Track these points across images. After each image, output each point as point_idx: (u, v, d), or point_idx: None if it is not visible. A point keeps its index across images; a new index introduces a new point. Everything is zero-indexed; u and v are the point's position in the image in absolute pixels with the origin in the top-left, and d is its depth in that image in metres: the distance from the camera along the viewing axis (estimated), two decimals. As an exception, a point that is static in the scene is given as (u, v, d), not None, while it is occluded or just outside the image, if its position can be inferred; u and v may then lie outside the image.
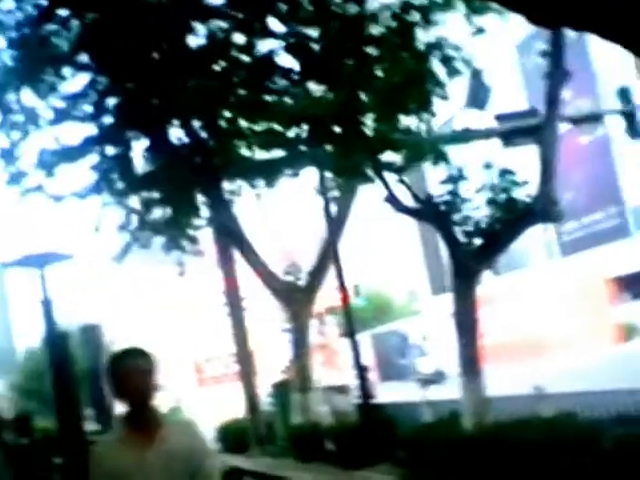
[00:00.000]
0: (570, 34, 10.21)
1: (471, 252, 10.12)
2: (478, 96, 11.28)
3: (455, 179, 10.29)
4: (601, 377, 15.22)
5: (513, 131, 11.52)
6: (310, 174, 12.70)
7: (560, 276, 28.68)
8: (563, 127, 12.36)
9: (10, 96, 9.99)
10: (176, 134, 11.48)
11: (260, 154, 11.03)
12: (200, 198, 12.73)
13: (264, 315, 23.71)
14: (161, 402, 3.36)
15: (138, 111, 10.09)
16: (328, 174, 12.35)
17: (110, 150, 11.13)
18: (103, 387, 12.93)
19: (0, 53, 9.70)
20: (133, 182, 11.50)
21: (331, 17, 8.74)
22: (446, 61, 9.43)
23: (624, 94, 14.77)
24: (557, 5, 3.27)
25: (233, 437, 16.54)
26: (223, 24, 9.46)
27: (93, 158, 11.05)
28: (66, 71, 10.10)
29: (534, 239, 27.68)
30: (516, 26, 11.70)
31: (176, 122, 11.20)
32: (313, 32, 9.12)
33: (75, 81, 10.38)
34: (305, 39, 9.08)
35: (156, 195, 12.10)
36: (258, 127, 10.13)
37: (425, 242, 37.21)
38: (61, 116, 10.45)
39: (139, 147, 11.39)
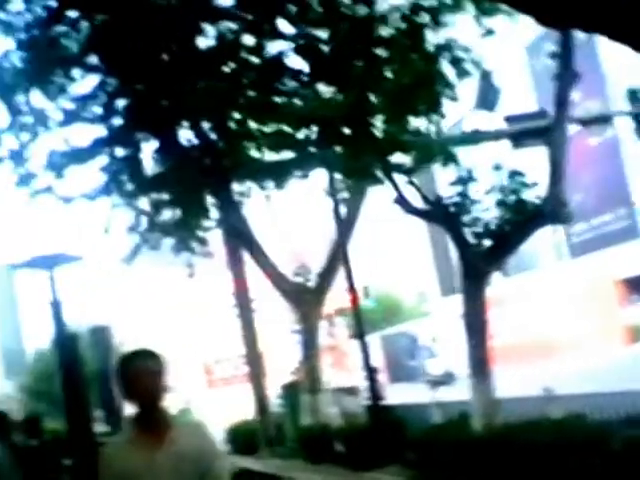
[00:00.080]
0: (579, 36, 10.19)
1: (481, 253, 10.11)
2: (487, 97, 11.25)
3: (464, 180, 10.28)
4: (610, 378, 15.16)
5: (522, 132, 11.48)
6: (319, 175, 12.71)
7: (569, 278, 28.59)
8: (572, 128, 12.31)
9: (19, 97, 10.01)
10: (186, 135, 11.48)
11: (269, 155, 11.03)
12: (209, 200, 12.73)
13: (273, 316, 23.71)
14: (171, 403, 3.37)
15: (147, 112, 10.10)
16: (337, 176, 12.35)
17: (119, 152, 11.14)
18: (112, 388, 12.96)
19: (9, 55, 9.70)
20: (142, 183, 11.52)
21: (340, 19, 8.73)
22: (455, 62, 9.41)
23: (633, 95, 14.69)
24: (566, 7, 3.26)
25: (242, 439, 16.55)
26: (232, 25, 9.46)
27: (102, 160, 11.06)
28: (75, 72, 10.12)
29: (543, 240, 27.59)
30: (525, 27, 11.68)
31: (186, 124, 11.21)
32: (322, 34, 9.11)
33: (84, 83, 10.39)
34: (314, 40, 9.07)
35: (165, 197, 12.11)
36: (267, 129, 10.13)
37: (434, 243, 37.14)
38: (70, 117, 10.47)
39: (149, 149, 11.39)
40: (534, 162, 11.78)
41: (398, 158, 10.24)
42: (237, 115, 10.51)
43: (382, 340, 36.72)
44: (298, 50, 9.26)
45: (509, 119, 11.72)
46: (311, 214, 29.49)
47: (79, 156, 10.71)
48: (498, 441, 8.03)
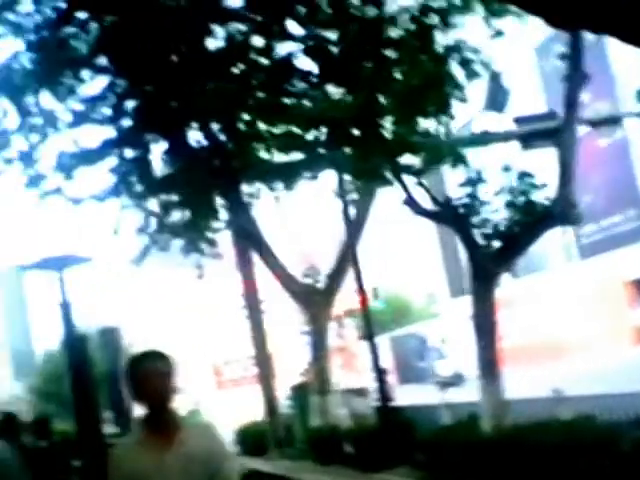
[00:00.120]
0: (589, 37, 10.15)
1: (490, 255, 10.08)
2: (497, 99, 11.22)
3: (474, 182, 10.26)
4: (620, 379, 15.08)
5: (532, 134, 11.45)
6: (329, 177, 12.71)
7: (579, 279, 28.48)
8: (582, 130, 12.26)
9: (29, 99, 10.03)
10: (195, 137, 11.49)
11: (279, 157, 11.03)
12: (219, 201, 12.74)
13: (283, 317, 23.72)
14: (180, 405, 3.38)
15: (157, 114, 10.11)
16: (347, 177, 12.34)
17: (129, 153, 11.16)
18: (122, 390, 12.99)
19: (19, 56, 9.72)
20: (152, 185, 11.53)
21: (350, 20, 8.72)
22: (465, 64, 9.39)
23: (643, 97, 14.61)
24: (575, 8, 3.25)
25: (252, 440, 16.55)
26: (242, 27, 9.46)
27: (112, 161, 11.09)
28: (85, 74, 10.14)
29: (553, 242, 27.49)
30: (535, 29, 11.65)
31: (195, 125, 11.22)
32: (332, 35, 9.11)
33: (94, 84, 10.40)
34: (324, 42, 9.07)
35: (175, 198, 12.13)
36: (277, 130, 10.13)
37: (444, 245, 37.05)
38: (80, 119, 10.49)
39: (158, 150, 11.41)
40: (544, 163, 11.74)
41: (407, 159, 10.23)
42: (246, 116, 10.51)
43: (391, 341, 36.65)
44: (307, 51, 9.25)
45: (518, 120, 11.69)
46: (320, 215, 29.48)
47: (88, 157, 10.73)
48: (507, 442, 8.00)
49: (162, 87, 9.67)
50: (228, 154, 11.32)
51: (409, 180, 10.32)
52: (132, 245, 13.74)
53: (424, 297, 46.07)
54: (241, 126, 10.81)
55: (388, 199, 13.31)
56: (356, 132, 9.32)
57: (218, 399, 29.94)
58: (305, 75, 9.51)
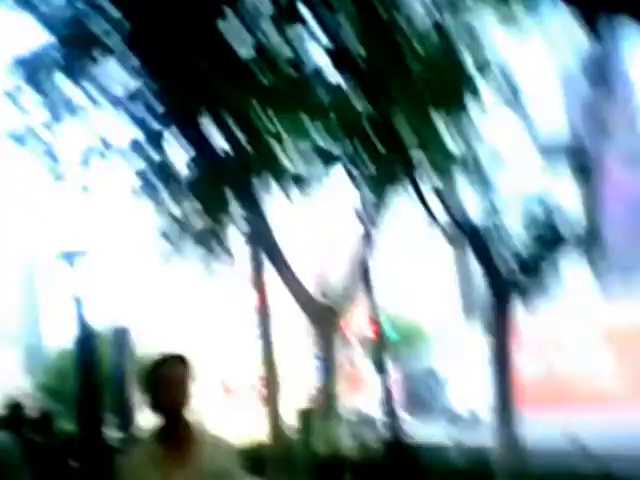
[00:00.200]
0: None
1: (510, 283, 9.84)
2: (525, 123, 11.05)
3: (496, 205, 10.10)
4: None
5: (557, 161, 11.24)
6: (347, 191, 12.56)
7: (601, 319, 27.82)
8: (609, 161, 12.03)
9: (58, 94, 10.03)
10: (221, 145, 11.41)
11: (301, 169, 10.92)
12: (238, 210, 12.65)
13: (294, 338, 23.51)
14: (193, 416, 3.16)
15: (185, 119, 10.08)
16: (366, 194, 12.18)
17: (155, 156, 11.13)
18: (127, 393, 12.82)
19: (49, 49, 9.73)
20: (175, 190, 11.47)
21: (377, 34, 8.64)
22: (482, 68, 9.30)
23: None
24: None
25: (252, 460, 16.23)
26: (273, 36, 9.39)
27: (138, 162, 11.06)
28: (116, 71, 10.14)
29: (575, 277, 27.02)
30: (561, 52, 11.50)
31: (221, 134, 11.15)
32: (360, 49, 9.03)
33: (125, 83, 10.40)
34: (352, 56, 8.99)
35: (196, 204, 12.06)
36: (302, 144, 10.03)
37: (460, 269, 36.77)
38: (109, 117, 10.49)
39: (184, 155, 11.35)
40: (568, 193, 11.54)
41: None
42: (272, 127, 10.41)
43: (402, 371, 36.21)
44: (336, 64, 9.17)
45: (544, 148, 11.46)
46: (337, 233, 29.30)
47: (115, 156, 10.71)
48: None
49: (191, 92, 9.62)
50: (251, 164, 11.22)
51: (432, 201, 10.16)
52: (151, 248, 13.65)
53: (437, 323, 45.55)
54: (267, 138, 10.72)
55: (406, 223, 13.15)
56: (380, 147, 9.18)
57: (223, 416, 29.67)
58: (333, 88, 9.41)
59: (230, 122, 10.49)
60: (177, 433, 2.96)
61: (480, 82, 9.46)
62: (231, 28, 9.39)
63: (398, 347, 38.66)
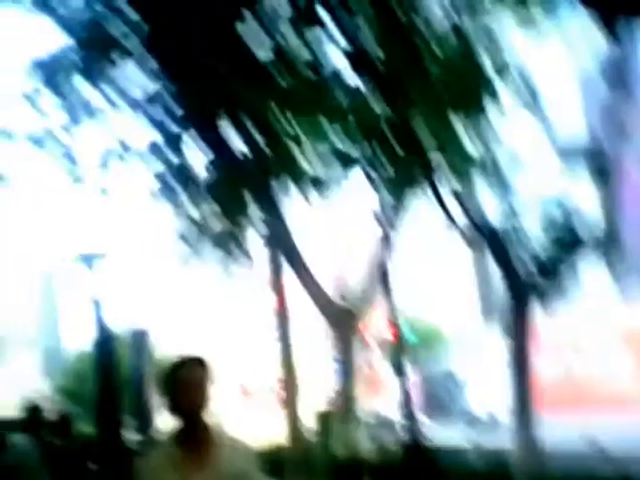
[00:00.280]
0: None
1: (529, 285, 9.77)
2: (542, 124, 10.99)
3: (515, 208, 10.05)
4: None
5: (576, 163, 11.14)
6: (366, 193, 12.53)
7: (621, 320, 27.56)
8: (628, 163, 11.92)
9: (77, 97, 10.09)
10: (240, 147, 11.43)
11: (320, 171, 10.91)
12: (257, 212, 12.67)
13: (313, 340, 23.48)
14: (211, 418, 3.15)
15: (204, 122, 10.10)
16: (385, 196, 12.14)
17: (174, 158, 11.16)
18: (145, 395, 12.85)
19: (68, 52, 9.78)
20: (194, 192, 11.50)
21: (396, 37, 8.61)
22: (501, 71, 9.25)
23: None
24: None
25: (271, 463, 16.19)
26: (292, 38, 9.39)
27: (157, 165, 11.10)
28: (134, 74, 10.18)
29: (594, 279, 26.76)
30: (579, 55, 11.41)
31: (240, 136, 11.16)
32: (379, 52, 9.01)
33: (143, 85, 10.45)
34: (370, 58, 8.97)
35: (215, 207, 12.08)
36: (321, 146, 10.02)
37: (479, 271, 36.52)
38: (128, 120, 10.54)
39: (203, 157, 11.38)
40: (587, 195, 11.45)
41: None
42: (291, 130, 10.42)
43: (420, 374, 36.02)
44: (355, 67, 9.15)
45: (562, 150, 11.37)
46: (355, 234, 29.25)
47: (134, 158, 10.75)
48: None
49: (209, 94, 9.64)
50: (270, 167, 11.22)
51: (451, 203, 10.13)
52: (169, 250, 13.69)
53: (456, 326, 45.24)
54: (285, 140, 10.71)
55: (425, 225, 13.11)
56: (398, 150, 9.16)
57: (241, 418, 29.68)
58: (352, 91, 9.39)
59: (249, 124, 10.50)
60: (196, 436, 2.94)
61: (499, 85, 9.40)
62: (250, 30, 9.40)
63: (417, 350, 38.48)
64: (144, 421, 13.45)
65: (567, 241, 9.70)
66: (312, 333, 20.25)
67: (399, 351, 13.38)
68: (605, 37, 8.74)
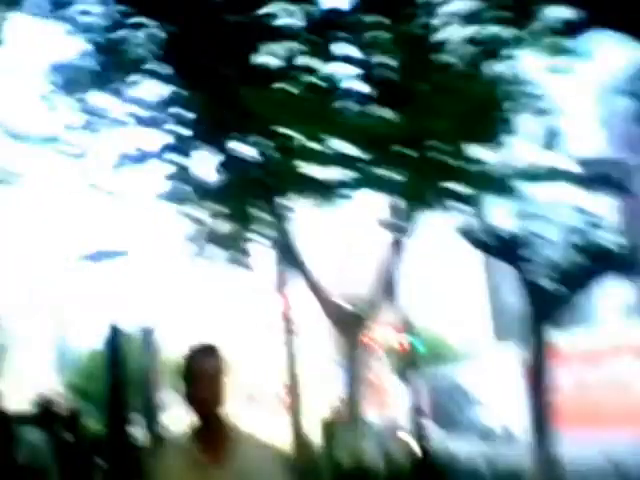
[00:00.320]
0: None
1: (548, 298, 9.67)
2: (550, 135, 10.93)
3: (533, 216, 9.96)
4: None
5: (596, 177, 11.05)
6: (373, 200, 12.47)
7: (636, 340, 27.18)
8: None
9: (91, 100, 10.12)
10: (247, 151, 11.42)
11: (326, 174, 10.86)
12: (264, 216, 12.65)
13: (319, 346, 23.40)
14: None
15: (212, 126, 10.12)
16: (395, 201, 12.08)
17: (184, 160, 11.18)
18: (153, 393, 12.84)
19: (84, 56, 9.85)
20: (203, 194, 11.51)
21: (406, 45, 8.56)
22: (513, 97, 9.17)
23: None
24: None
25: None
26: (296, 46, 9.33)
27: (168, 167, 11.12)
28: (147, 80, 10.24)
29: (614, 294, 26.55)
30: (599, 67, 11.34)
31: (249, 141, 11.15)
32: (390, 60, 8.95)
33: (156, 89, 10.50)
34: (382, 67, 8.92)
35: (223, 210, 12.07)
36: (329, 150, 9.98)
37: (491, 283, 36.27)
38: (141, 123, 10.57)
39: (211, 161, 11.39)
40: (608, 207, 11.35)
41: (457, 186, 9.96)
42: (299, 136, 10.38)
43: (427, 383, 35.71)
44: (364, 76, 9.11)
45: (584, 163, 11.28)
46: (363, 239, 29.18)
47: (147, 161, 10.78)
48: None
49: (216, 98, 9.64)
50: (277, 170, 11.20)
51: (464, 208, 10.06)
52: (178, 250, 13.69)
53: (465, 338, 44.94)
54: (293, 144, 10.69)
55: (434, 228, 13.03)
56: (408, 153, 9.10)
57: (246, 423, 29.56)
58: (359, 98, 9.33)
59: (257, 130, 10.47)
60: (213, 431, 2.86)
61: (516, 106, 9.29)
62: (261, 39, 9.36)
63: (425, 359, 38.22)
64: (151, 418, 13.41)
65: (587, 254, 9.61)
66: (318, 339, 20.16)
67: (407, 360, 13.26)
68: (629, 50, 8.67)
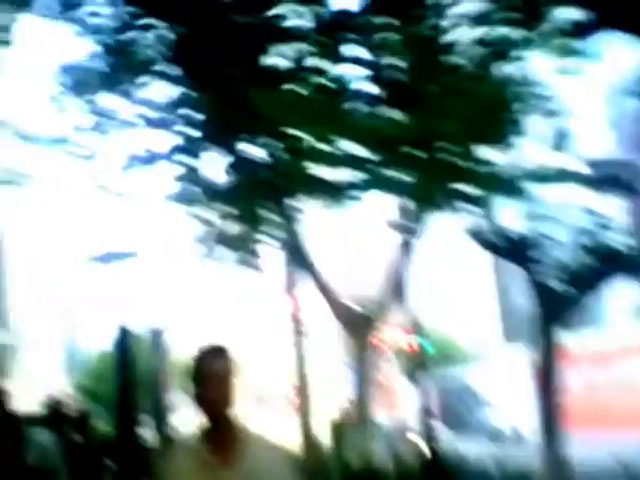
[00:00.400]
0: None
1: (558, 297, 9.63)
2: (560, 137, 10.89)
3: (542, 217, 9.92)
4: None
5: (605, 178, 10.99)
6: (383, 200, 12.44)
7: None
8: None
9: (101, 101, 10.15)
10: (256, 152, 11.43)
11: (335, 175, 10.85)
12: (273, 217, 12.64)
13: (328, 348, 23.37)
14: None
15: (221, 127, 10.12)
16: (404, 203, 12.05)
17: (194, 162, 11.19)
18: (162, 394, 12.86)
19: (94, 57, 9.88)
20: (212, 196, 11.51)
21: (416, 47, 8.54)
22: (522, 98, 9.14)
23: None
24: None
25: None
26: (304, 47, 9.32)
27: (177, 168, 11.13)
28: (157, 81, 10.27)
29: (623, 294, 26.40)
30: (608, 68, 11.30)
31: (255, 140, 11.15)
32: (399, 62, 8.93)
33: (165, 91, 10.53)
34: (392, 68, 8.89)
35: (232, 211, 12.06)
36: (339, 152, 9.96)
37: (500, 284, 36.12)
38: (151, 124, 10.59)
39: (221, 162, 11.39)
40: (618, 207, 11.30)
41: (466, 187, 9.93)
42: (307, 136, 10.37)
43: (436, 384, 35.60)
44: (374, 77, 9.09)
45: (592, 163, 11.22)
46: (373, 240, 29.15)
47: (156, 162, 10.79)
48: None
49: (225, 99, 9.64)
50: (286, 171, 11.19)
51: (473, 209, 10.03)
52: (187, 250, 13.71)
53: (474, 339, 44.73)
54: (303, 145, 10.67)
55: (443, 230, 12.98)
56: (418, 154, 9.07)
57: (255, 424, 29.55)
58: (370, 99, 9.31)
59: (266, 131, 10.48)
60: (222, 432, 2.86)
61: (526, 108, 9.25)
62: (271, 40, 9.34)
63: (434, 361, 38.11)
64: (160, 419, 13.43)
65: (597, 255, 9.57)
66: (327, 340, 20.13)
67: (416, 361, 13.23)
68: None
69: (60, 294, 52.65)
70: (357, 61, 9.11)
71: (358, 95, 9.25)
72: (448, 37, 8.53)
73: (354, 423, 14.08)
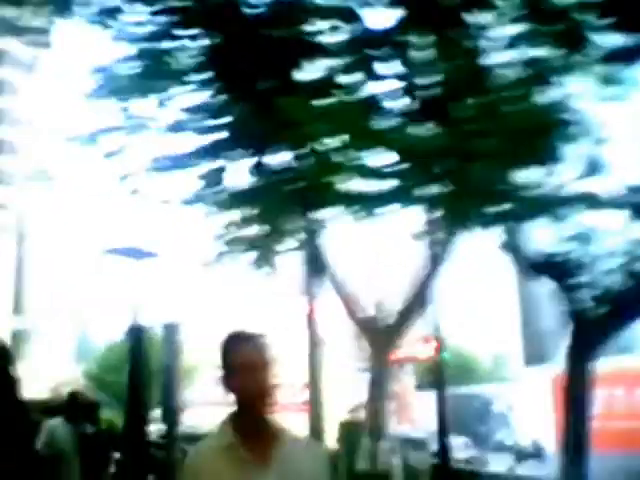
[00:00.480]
0: None
1: (595, 320, 9.35)
2: (596, 163, 10.69)
3: (583, 238, 9.67)
4: None
5: None
6: (411, 213, 12.27)
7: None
8: None
9: (132, 105, 10.10)
10: (283, 160, 11.34)
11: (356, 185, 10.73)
12: (296, 224, 12.52)
13: (343, 350, 23.21)
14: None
15: (249, 134, 10.04)
16: (433, 216, 11.86)
17: (219, 163, 11.12)
18: (172, 387, 12.79)
19: (126, 62, 9.92)
20: (235, 199, 11.36)
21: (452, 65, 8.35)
22: (560, 125, 8.92)
23: None
24: None
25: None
26: (333, 63, 9.19)
27: (202, 168, 11.04)
28: (188, 87, 10.24)
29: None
30: None
31: (282, 148, 11.07)
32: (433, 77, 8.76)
33: (194, 97, 10.50)
34: (427, 86, 8.70)
35: (253, 212, 11.94)
36: (368, 162, 9.82)
37: (525, 305, 35.76)
38: (178, 129, 10.50)
39: (246, 163, 11.31)
40: None
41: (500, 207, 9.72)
42: (336, 147, 10.25)
43: (452, 398, 35.22)
44: (410, 93, 8.89)
45: (632, 189, 11.00)
46: (399, 252, 29.00)
47: (182, 162, 10.74)
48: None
49: (255, 106, 9.53)
50: (311, 179, 11.08)
51: (507, 227, 9.80)
52: (207, 249, 13.64)
53: (494, 357, 44.37)
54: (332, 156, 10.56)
55: (472, 247, 12.77)
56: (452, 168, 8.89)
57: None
58: (402, 114, 9.14)
59: (294, 139, 10.39)
60: (259, 425, 2.60)
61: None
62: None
63: (455, 376, 37.78)
64: (172, 415, 13.30)
65: (634, 278, 9.29)
66: (345, 349, 19.96)
67: (435, 374, 13.00)
68: None
69: (75, 288, 52.94)
70: (391, 77, 8.97)
71: (391, 110, 9.12)
72: (488, 57, 8.37)
73: (369, 432, 13.88)
